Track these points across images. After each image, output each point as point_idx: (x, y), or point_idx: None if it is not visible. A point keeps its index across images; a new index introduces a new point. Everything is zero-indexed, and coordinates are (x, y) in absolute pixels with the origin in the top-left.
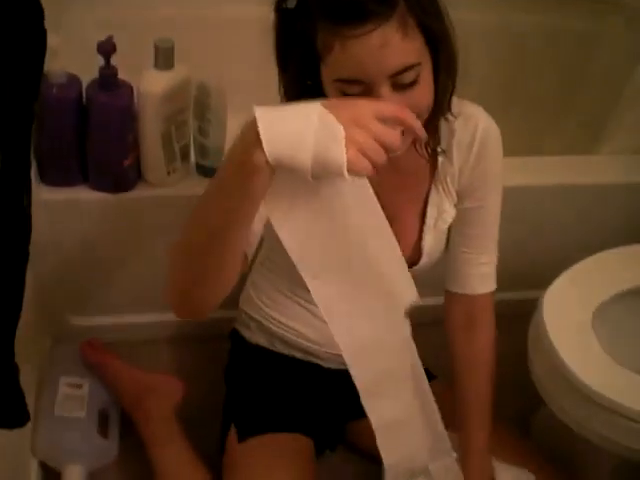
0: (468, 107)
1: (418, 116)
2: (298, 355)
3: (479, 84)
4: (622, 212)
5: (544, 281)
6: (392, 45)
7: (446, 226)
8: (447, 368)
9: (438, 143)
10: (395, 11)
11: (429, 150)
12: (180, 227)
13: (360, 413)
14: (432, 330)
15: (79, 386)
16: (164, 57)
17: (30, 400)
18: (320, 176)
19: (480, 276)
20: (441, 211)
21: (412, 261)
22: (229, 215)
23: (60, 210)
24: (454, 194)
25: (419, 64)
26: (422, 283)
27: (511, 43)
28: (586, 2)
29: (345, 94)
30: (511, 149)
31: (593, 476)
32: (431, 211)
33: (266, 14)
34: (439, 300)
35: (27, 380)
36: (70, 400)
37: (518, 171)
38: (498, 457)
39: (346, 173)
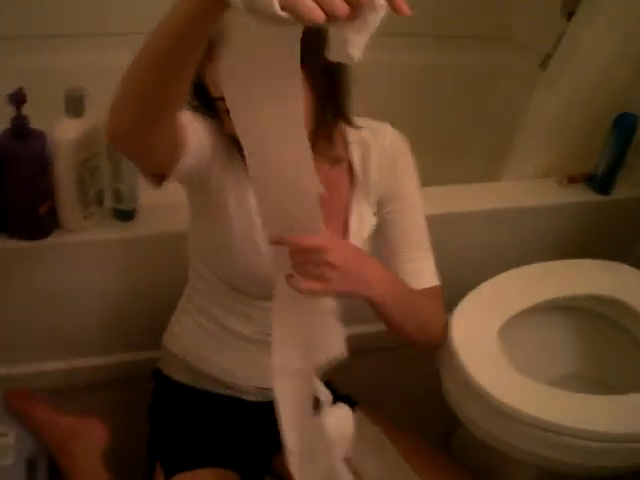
0: (375, 123)
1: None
2: (221, 391)
3: (387, 119)
4: (522, 233)
5: (453, 304)
6: None
7: (367, 235)
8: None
9: (342, 154)
10: None
11: (333, 157)
12: (99, 271)
13: (276, 448)
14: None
15: (4, 435)
16: (74, 106)
17: None
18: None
19: (417, 271)
20: (363, 220)
21: None
22: (181, 31)
23: None
24: (374, 202)
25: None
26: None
27: (417, 77)
28: (478, 39)
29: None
30: (420, 180)
31: None
32: (353, 220)
33: None
34: (361, 329)
35: None
36: None
37: (426, 201)
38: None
39: (278, 10)
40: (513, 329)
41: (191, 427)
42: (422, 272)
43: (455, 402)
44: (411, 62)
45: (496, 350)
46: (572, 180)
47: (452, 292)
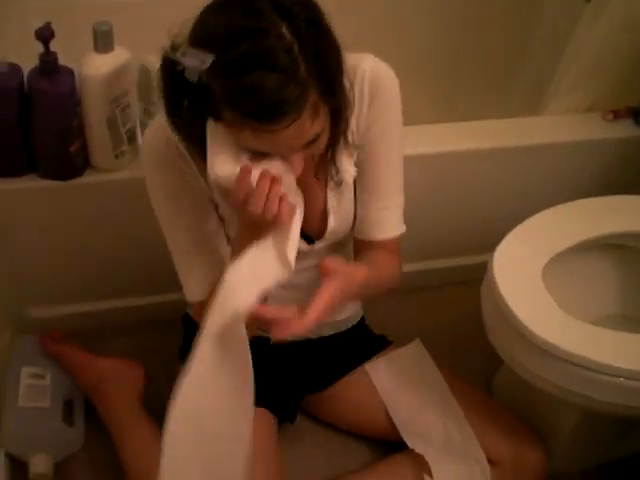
0: (354, 57)
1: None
2: None
3: (425, 52)
4: (565, 169)
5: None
6: (305, 132)
7: (348, 185)
8: (404, 336)
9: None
10: (307, 105)
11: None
12: (131, 210)
13: (316, 386)
14: (389, 299)
15: (42, 376)
16: (103, 40)
17: None
18: None
19: (388, 221)
20: (342, 171)
21: (323, 227)
22: None
23: (9, 201)
24: (353, 151)
25: (323, 129)
26: None
27: (457, 9)
28: None
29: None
30: (458, 114)
31: (557, 430)
32: (331, 172)
33: None
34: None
35: None
36: (33, 390)
37: (465, 135)
38: (466, 415)
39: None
40: (557, 267)
41: None
42: (386, 223)
43: (497, 339)
44: None
45: (539, 288)
46: (617, 114)
47: (493, 229)
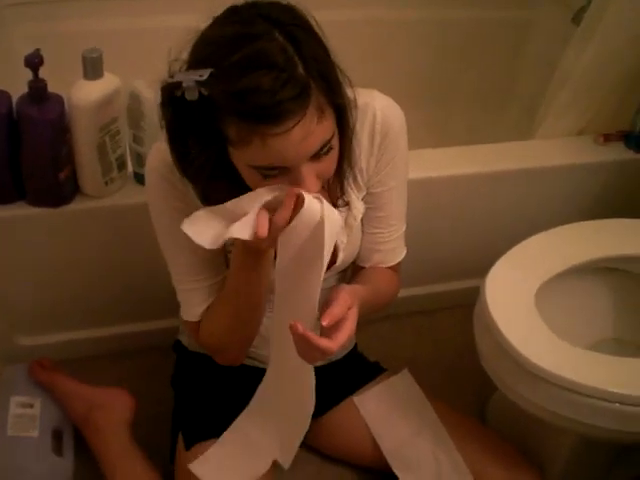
0: (361, 96)
1: (330, 175)
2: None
3: (417, 78)
4: (558, 193)
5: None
6: (312, 133)
7: (357, 223)
8: (398, 361)
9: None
10: (310, 101)
11: (341, 198)
12: (122, 237)
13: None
14: (383, 324)
15: (30, 405)
16: (92, 67)
17: None
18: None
19: (392, 249)
20: (350, 208)
21: (330, 261)
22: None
23: None
24: (363, 187)
25: (333, 135)
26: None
27: (450, 36)
28: None
29: (263, 174)
30: (450, 140)
31: (553, 457)
32: (340, 209)
33: (194, 23)
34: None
35: None
36: (22, 419)
37: (457, 160)
38: (459, 444)
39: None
40: (549, 292)
41: (211, 397)
42: (392, 252)
43: (490, 366)
44: (441, 18)
45: (532, 312)
46: (608, 138)
47: (485, 254)
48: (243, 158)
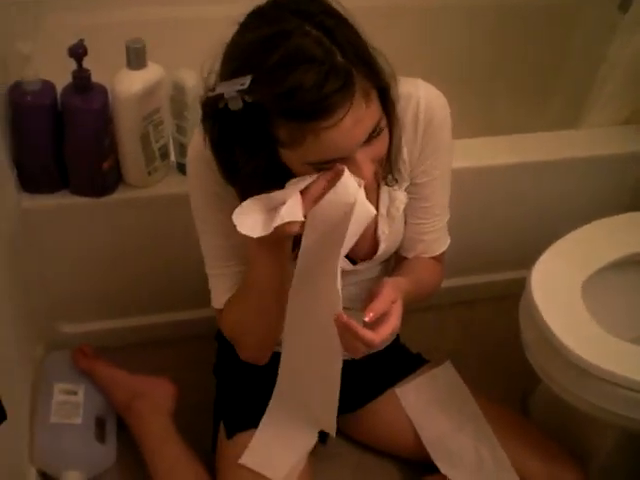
0: (404, 85)
1: (383, 156)
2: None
3: (460, 66)
4: (605, 184)
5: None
6: (362, 119)
7: (399, 213)
8: (440, 353)
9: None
10: (356, 88)
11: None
12: (164, 226)
13: (350, 406)
14: (425, 315)
15: (74, 392)
16: (136, 57)
17: (26, 408)
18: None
19: (436, 239)
20: (393, 198)
21: (371, 251)
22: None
23: (42, 217)
24: (406, 178)
25: (381, 117)
26: None
27: (493, 22)
28: None
29: (319, 169)
30: (496, 128)
31: (595, 451)
32: (383, 199)
33: (237, 12)
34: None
35: (22, 389)
36: (66, 407)
37: (504, 150)
38: (500, 438)
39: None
40: (596, 284)
41: (254, 387)
42: (436, 242)
43: (534, 357)
44: (487, 4)
45: (578, 304)
46: None
47: (532, 244)
48: (297, 157)
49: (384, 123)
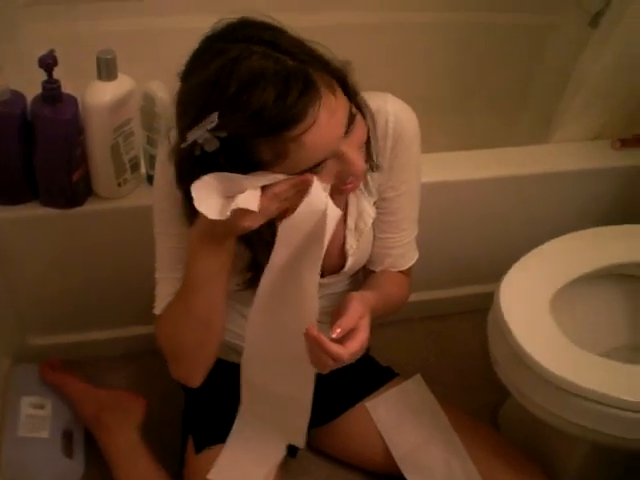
0: (373, 100)
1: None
2: None
3: (433, 81)
4: (574, 198)
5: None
6: (335, 109)
7: (367, 227)
8: (410, 366)
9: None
10: (318, 84)
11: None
12: (134, 238)
13: (320, 419)
14: (395, 328)
15: (41, 406)
16: (107, 68)
17: None
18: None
19: (404, 254)
20: (360, 212)
21: (339, 264)
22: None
23: (10, 229)
24: (374, 192)
25: (350, 105)
26: None
27: (464, 40)
28: None
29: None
30: (471, 143)
31: (566, 465)
32: (351, 213)
33: (208, 24)
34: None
35: None
36: (33, 420)
37: (476, 164)
38: (471, 451)
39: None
40: (564, 298)
41: (222, 401)
42: (404, 257)
43: (504, 372)
44: (459, 21)
45: (547, 319)
46: (624, 143)
47: (498, 259)
48: (287, 170)
49: (355, 110)
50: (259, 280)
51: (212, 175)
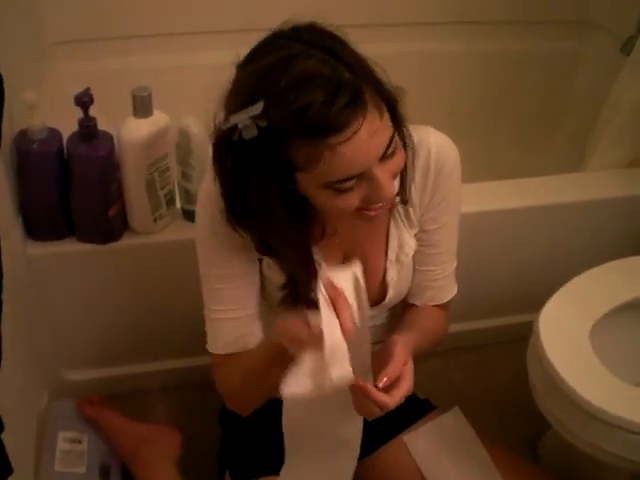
0: (415, 132)
1: (401, 169)
2: None
3: (462, 110)
4: (611, 227)
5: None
6: (377, 130)
7: (408, 259)
8: (448, 398)
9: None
10: (367, 100)
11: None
12: (170, 273)
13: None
14: (433, 360)
15: (78, 441)
16: (142, 105)
17: (30, 458)
18: None
19: (444, 287)
20: (402, 244)
21: (380, 296)
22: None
23: (48, 264)
24: (416, 224)
25: (394, 132)
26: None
27: (497, 67)
28: (556, 24)
29: (338, 191)
30: (501, 172)
31: None
32: (392, 245)
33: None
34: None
35: (26, 436)
36: (70, 455)
37: (509, 194)
38: None
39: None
40: (603, 327)
41: (259, 434)
42: (443, 290)
43: (543, 402)
44: (488, 50)
45: (586, 348)
46: None
47: (536, 289)
48: (315, 179)
49: (397, 138)
50: (295, 297)
51: (293, 368)
